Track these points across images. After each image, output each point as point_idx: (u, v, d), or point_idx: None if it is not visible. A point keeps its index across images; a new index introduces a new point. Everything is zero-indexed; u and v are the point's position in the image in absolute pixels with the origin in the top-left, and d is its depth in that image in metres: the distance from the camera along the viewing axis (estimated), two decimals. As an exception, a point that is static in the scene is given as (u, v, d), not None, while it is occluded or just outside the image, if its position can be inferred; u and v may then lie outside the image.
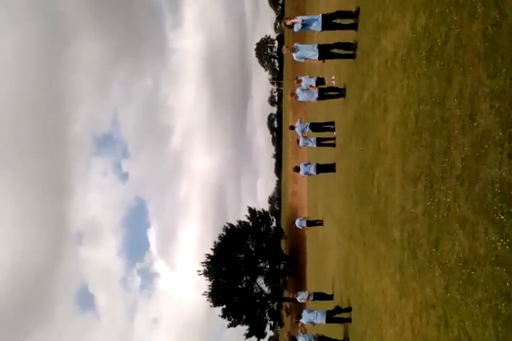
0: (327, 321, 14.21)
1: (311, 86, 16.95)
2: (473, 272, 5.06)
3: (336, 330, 15.03)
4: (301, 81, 18.20)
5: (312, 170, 18.81)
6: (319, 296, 17.92)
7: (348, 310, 13.88)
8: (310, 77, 18.37)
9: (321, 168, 19.07)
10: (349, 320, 13.69)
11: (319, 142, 19.17)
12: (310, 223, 27.23)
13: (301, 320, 14.54)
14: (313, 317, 14.06)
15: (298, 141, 19.60)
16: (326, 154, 20.93)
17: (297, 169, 19.08)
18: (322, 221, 25.49)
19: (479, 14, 5.03)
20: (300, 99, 17.55)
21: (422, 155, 6.91)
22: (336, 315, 14.41)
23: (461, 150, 5.42)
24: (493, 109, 4.64)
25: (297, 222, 27.24)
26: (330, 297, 17.82)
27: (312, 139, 19.23)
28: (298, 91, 17.47)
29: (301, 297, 16.74)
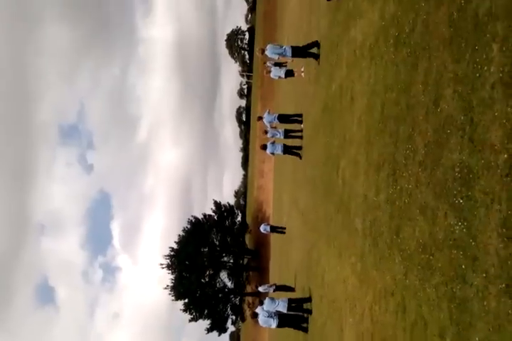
0: (288, 310, 14.22)
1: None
2: (431, 257, 5.09)
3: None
4: (270, 72, 18.17)
5: (279, 149, 18.52)
6: (282, 288, 17.94)
7: (309, 300, 13.94)
8: (280, 68, 18.35)
9: (288, 149, 18.88)
10: (309, 311, 13.74)
11: (287, 134, 19.11)
12: (273, 228, 28.07)
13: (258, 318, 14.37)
14: (274, 306, 14.03)
15: (266, 132, 19.52)
16: (294, 143, 20.88)
17: (264, 147, 18.84)
18: (285, 228, 26.11)
19: (446, 0, 5.04)
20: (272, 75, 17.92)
21: (386, 143, 6.94)
22: (297, 304, 14.46)
23: (424, 137, 5.44)
24: (456, 94, 4.66)
25: (262, 227, 28.31)
26: (292, 289, 17.87)
27: (280, 131, 19.18)
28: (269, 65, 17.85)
29: (264, 288, 16.74)
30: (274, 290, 17.92)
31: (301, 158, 18.45)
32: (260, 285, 19.65)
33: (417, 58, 5.82)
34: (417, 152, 5.65)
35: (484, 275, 3.95)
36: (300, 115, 18.83)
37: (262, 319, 14.04)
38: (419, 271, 5.42)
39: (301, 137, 18.56)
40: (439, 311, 4.79)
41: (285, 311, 14.07)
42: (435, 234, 5.02)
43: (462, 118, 4.49)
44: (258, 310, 14.28)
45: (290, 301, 14.45)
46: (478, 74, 4.25)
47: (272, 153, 19.06)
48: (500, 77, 3.90)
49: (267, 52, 15.42)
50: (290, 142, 19.37)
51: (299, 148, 18.62)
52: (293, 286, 18.16)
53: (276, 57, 15.34)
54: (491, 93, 4.02)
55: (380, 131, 7.34)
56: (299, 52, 15.07)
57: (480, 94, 4.20)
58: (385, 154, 6.97)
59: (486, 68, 4.13)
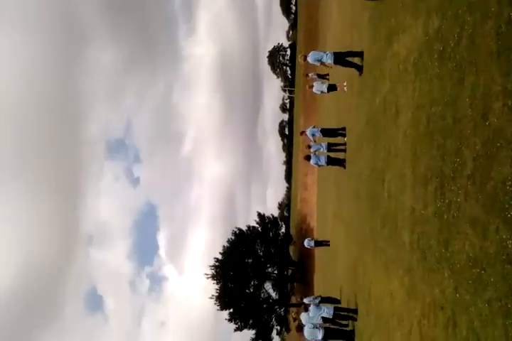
0: (334, 317, 14.18)
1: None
2: (483, 271, 5.05)
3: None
4: (313, 86, 18.29)
5: (323, 160, 18.53)
6: (327, 300, 17.83)
7: (355, 311, 13.87)
8: (322, 83, 18.43)
9: (331, 160, 18.86)
10: (354, 318, 13.68)
11: (330, 147, 19.13)
12: (318, 243, 28.13)
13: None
14: (320, 313, 14.01)
15: (309, 147, 19.59)
16: (337, 156, 20.85)
17: (308, 157, 18.88)
18: (329, 241, 26.09)
19: (492, 13, 5.05)
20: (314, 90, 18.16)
21: (433, 156, 6.91)
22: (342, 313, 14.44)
23: (472, 150, 5.42)
24: (506, 107, 4.65)
25: (306, 242, 28.53)
26: (338, 301, 17.75)
27: (323, 144, 19.20)
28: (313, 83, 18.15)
29: (309, 299, 16.66)
30: (319, 302, 17.82)
31: (345, 167, 18.41)
32: (305, 297, 19.57)
33: (463, 72, 5.82)
34: (466, 165, 5.62)
35: (540, 291, 3.91)
36: (343, 129, 18.83)
37: (307, 330, 14.01)
38: (470, 286, 5.37)
39: (344, 150, 18.54)
40: (493, 327, 4.73)
41: (330, 317, 14.02)
42: (486, 248, 4.98)
43: (512, 131, 4.47)
44: (302, 316, 14.28)
45: (336, 309, 14.41)
46: (528, 88, 4.24)
47: (316, 164, 19.10)
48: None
49: (308, 59, 15.45)
50: (333, 155, 19.37)
51: (343, 160, 18.61)
52: (338, 298, 18.04)
53: (318, 63, 15.36)
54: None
55: (426, 145, 7.32)
56: (340, 58, 14.97)
57: (531, 107, 4.19)
58: (432, 167, 6.94)
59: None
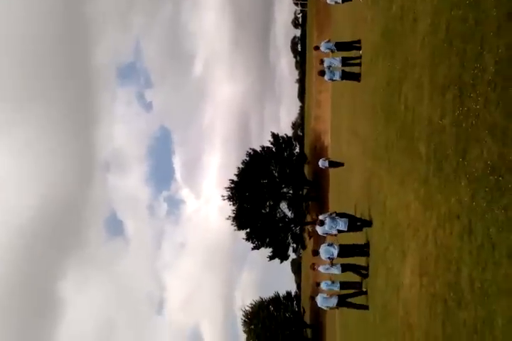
0: (349, 229, 14.49)
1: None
2: (501, 178, 4.98)
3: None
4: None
5: (337, 75, 18.07)
6: (342, 215, 18.09)
7: (369, 223, 14.14)
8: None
9: (346, 75, 18.39)
10: (369, 223, 13.98)
11: (345, 61, 18.54)
12: (332, 163, 27.73)
13: (319, 255, 14.69)
14: (335, 225, 14.32)
15: (322, 62, 18.99)
16: (352, 70, 20.37)
17: (322, 73, 18.42)
18: (343, 164, 25.87)
19: None
20: None
21: (453, 63, 6.65)
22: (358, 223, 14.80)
23: (494, 54, 5.18)
24: (533, 5, 4.36)
25: (320, 163, 28.15)
26: (353, 216, 18.01)
27: (338, 58, 18.60)
28: None
29: (324, 216, 16.91)
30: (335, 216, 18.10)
31: (359, 81, 17.95)
32: (320, 214, 19.88)
33: (488, -31, 5.44)
34: (487, 70, 5.40)
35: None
36: (358, 41, 18.17)
37: (323, 248, 14.30)
38: (487, 193, 5.33)
39: (359, 64, 18.01)
40: (509, 233, 4.73)
41: (346, 229, 14.32)
42: (505, 154, 4.88)
43: (539, 30, 4.22)
44: (318, 229, 14.62)
45: (351, 220, 14.69)
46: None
47: (331, 79, 18.65)
48: None
49: None
50: (348, 69, 18.85)
51: (358, 75, 18.11)
52: (353, 214, 18.29)
53: None
54: None
55: (445, 52, 7.03)
56: None
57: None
58: (451, 75, 6.70)
59: None
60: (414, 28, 9.18)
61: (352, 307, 14.70)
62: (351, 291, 14.82)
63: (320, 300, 14.42)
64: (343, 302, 14.36)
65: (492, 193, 5.19)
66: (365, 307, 13.83)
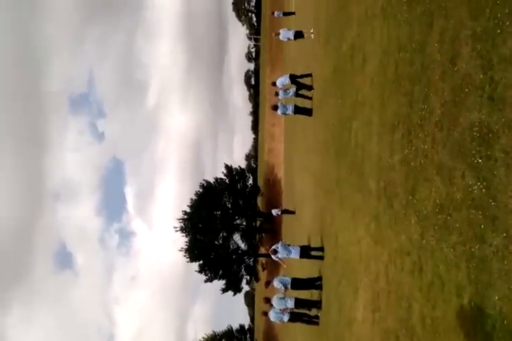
0: (301, 256, 14.48)
1: None
2: (449, 217, 5.10)
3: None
4: (279, 34, 17.90)
5: (290, 109, 18.32)
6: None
7: (321, 249, 14.18)
8: (288, 30, 18.05)
9: (298, 109, 18.66)
10: (321, 257, 13.99)
11: (298, 92, 18.79)
12: (285, 211, 30.54)
13: (273, 284, 14.56)
14: (287, 254, 14.33)
15: (276, 94, 19.27)
16: (304, 105, 20.70)
17: (275, 107, 18.71)
18: (295, 212, 27.37)
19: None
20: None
21: (401, 103, 6.86)
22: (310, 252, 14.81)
23: (440, 96, 5.37)
24: (475, 52, 4.57)
25: (274, 212, 31.50)
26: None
27: (291, 90, 18.89)
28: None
29: (276, 245, 16.88)
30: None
31: (311, 115, 18.25)
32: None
33: (432, 16, 5.69)
34: (434, 112, 5.58)
35: (504, 234, 3.95)
36: (310, 74, 18.58)
37: (275, 300, 14.07)
38: (436, 231, 5.44)
39: (310, 98, 18.35)
40: (457, 270, 4.82)
41: (298, 257, 14.35)
42: (453, 194, 5.01)
43: (481, 76, 4.41)
44: (275, 246, 14.63)
45: (303, 248, 14.72)
46: (499, 31, 4.14)
47: (284, 114, 18.92)
48: (521, 33, 3.81)
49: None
50: (300, 103, 19.16)
51: (310, 110, 18.43)
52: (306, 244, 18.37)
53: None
54: (512, 50, 3.93)
55: (394, 92, 7.25)
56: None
57: (501, 51, 4.10)
58: (400, 114, 6.90)
59: (508, 23, 4.02)
60: (364, 67, 9.46)
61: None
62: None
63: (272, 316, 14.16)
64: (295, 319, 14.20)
65: (441, 231, 5.30)
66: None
